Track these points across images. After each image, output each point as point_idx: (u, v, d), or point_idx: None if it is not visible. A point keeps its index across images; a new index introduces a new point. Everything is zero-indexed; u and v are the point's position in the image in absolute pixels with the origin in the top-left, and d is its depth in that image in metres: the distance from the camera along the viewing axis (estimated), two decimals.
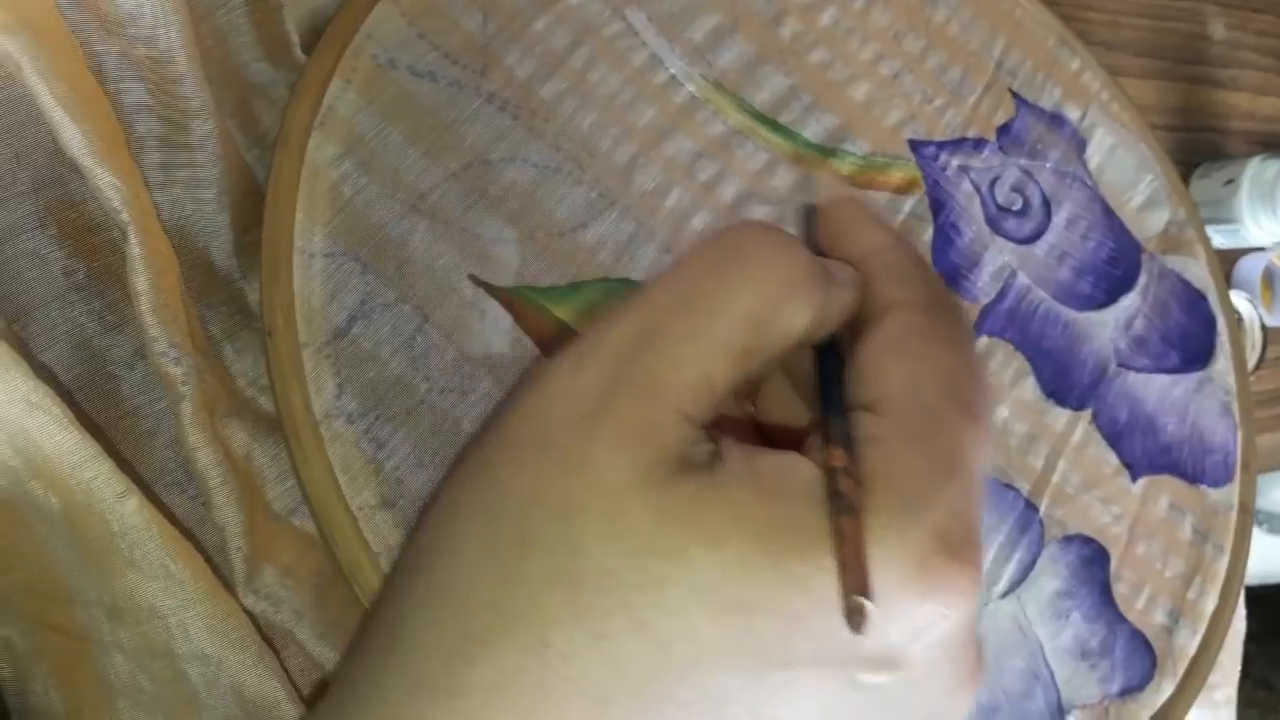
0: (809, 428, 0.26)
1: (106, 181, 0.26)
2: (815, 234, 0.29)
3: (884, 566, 0.20)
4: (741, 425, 0.28)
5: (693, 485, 0.21)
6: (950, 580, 0.21)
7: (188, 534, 0.28)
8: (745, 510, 0.21)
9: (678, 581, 0.20)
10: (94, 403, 0.30)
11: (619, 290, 0.35)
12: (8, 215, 0.28)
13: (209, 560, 0.28)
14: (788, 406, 0.27)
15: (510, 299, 0.33)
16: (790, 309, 0.23)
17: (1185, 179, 0.51)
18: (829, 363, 0.25)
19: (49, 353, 0.29)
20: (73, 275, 0.30)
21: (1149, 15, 0.52)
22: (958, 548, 0.21)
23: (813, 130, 0.40)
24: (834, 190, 0.28)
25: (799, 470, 0.22)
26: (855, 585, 0.20)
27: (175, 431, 0.28)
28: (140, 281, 0.27)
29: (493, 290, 0.33)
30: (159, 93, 0.29)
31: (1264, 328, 0.57)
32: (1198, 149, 0.53)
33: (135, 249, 0.27)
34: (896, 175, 0.40)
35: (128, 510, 0.25)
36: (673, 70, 0.38)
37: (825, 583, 0.20)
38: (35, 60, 0.26)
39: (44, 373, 0.29)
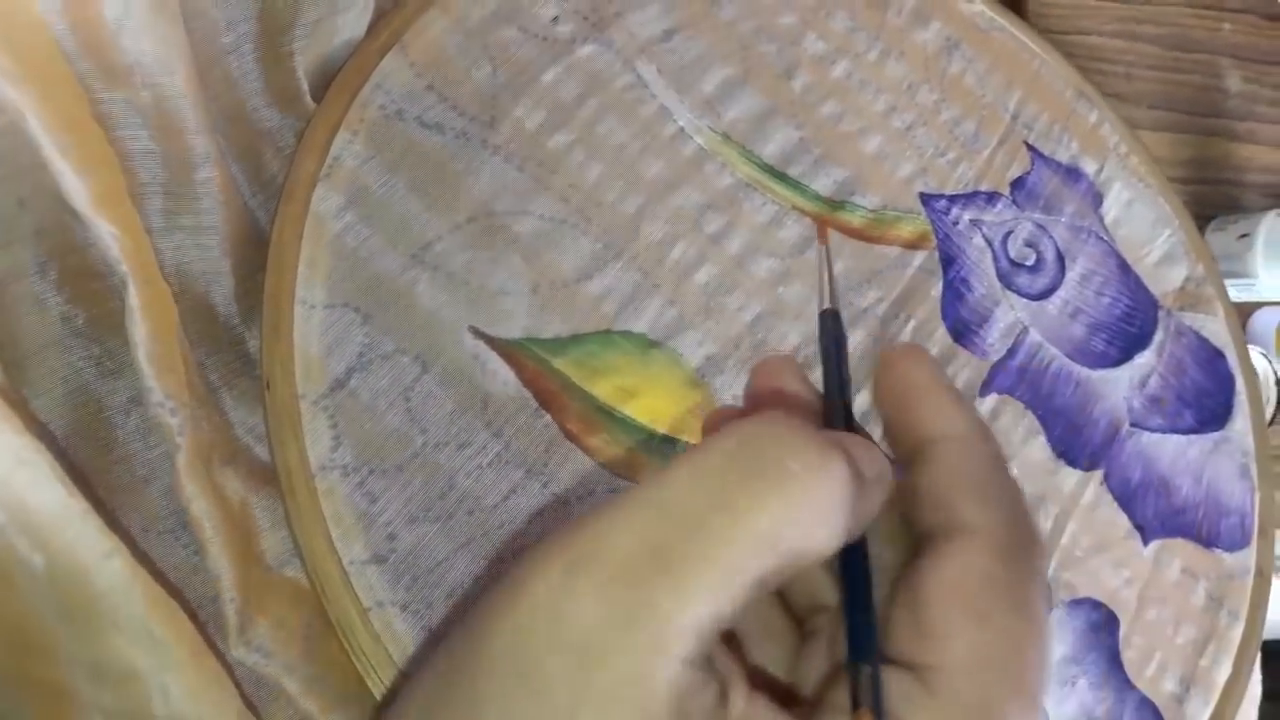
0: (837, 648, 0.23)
1: (106, 231, 0.26)
2: (841, 354, 0.26)
3: None
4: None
5: None
6: None
7: (175, 591, 0.28)
8: None
9: None
10: (88, 449, 0.30)
11: (619, 342, 0.35)
12: (9, 260, 0.28)
13: (195, 618, 0.27)
14: (815, 588, 0.25)
15: (510, 351, 0.33)
16: (821, 536, 0.20)
17: (1200, 233, 0.50)
18: (856, 585, 0.22)
19: (44, 398, 0.29)
20: (71, 321, 0.30)
21: (1164, 68, 0.52)
22: None
23: (822, 183, 0.39)
24: (902, 352, 0.25)
25: None
26: None
27: (171, 481, 0.28)
28: (139, 332, 0.27)
29: (492, 342, 0.33)
30: (163, 139, 0.29)
31: (1279, 382, 0.56)
32: (1213, 202, 0.53)
33: (134, 299, 0.27)
34: (907, 229, 0.40)
35: (112, 570, 0.25)
36: (681, 123, 0.38)
37: None
38: (39, 109, 0.26)
39: (38, 419, 0.29)
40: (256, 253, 0.33)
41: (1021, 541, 0.22)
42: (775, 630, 0.25)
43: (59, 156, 0.26)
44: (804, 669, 0.24)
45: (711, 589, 0.19)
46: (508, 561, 0.31)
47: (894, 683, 0.21)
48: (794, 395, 0.25)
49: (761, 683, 0.22)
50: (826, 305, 0.27)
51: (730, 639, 0.23)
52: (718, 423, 0.26)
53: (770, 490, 0.20)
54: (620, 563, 0.19)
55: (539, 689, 0.19)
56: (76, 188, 0.27)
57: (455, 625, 0.22)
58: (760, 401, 0.25)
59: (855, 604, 0.22)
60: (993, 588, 0.21)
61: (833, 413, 0.25)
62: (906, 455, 0.24)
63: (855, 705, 0.20)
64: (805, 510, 0.20)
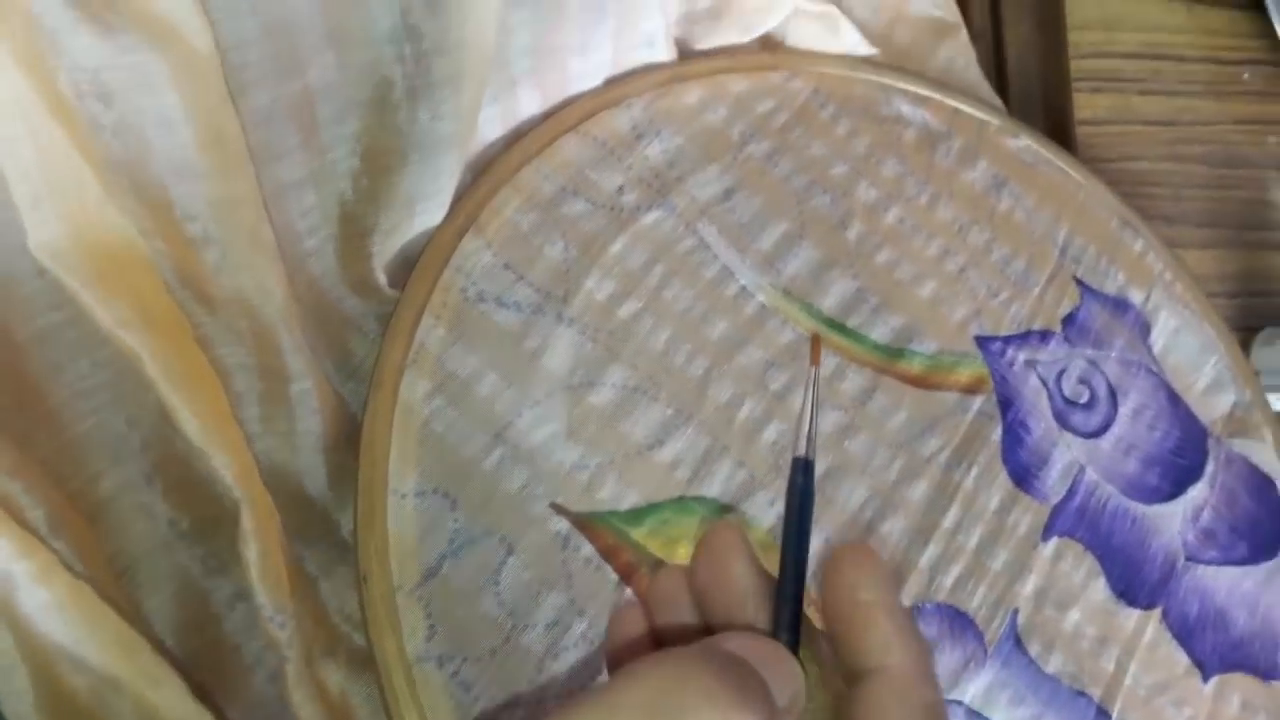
0: None
1: (220, 462, 0.28)
2: (805, 514, 0.28)
3: None
4: None
5: None
6: None
7: None
8: None
9: None
10: (198, 642, 0.31)
11: (694, 508, 0.36)
12: (121, 475, 0.30)
13: None
14: None
15: (589, 524, 0.34)
16: None
17: (1246, 345, 0.51)
18: None
19: (155, 598, 0.31)
20: (177, 525, 0.31)
21: (1211, 185, 0.52)
22: None
23: (880, 331, 0.41)
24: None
25: None
26: None
27: (279, 688, 0.29)
28: (250, 552, 0.28)
29: (573, 517, 0.34)
30: (259, 355, 0.31)
31: None
32: (1262, 314, 0.53)
33: (247, 523, 0.28)
34: (964, 374, 0.41)
35: None
36: (743, 281, 0.39)
37: None
38: (153, 352, 0.28)
39: (150, 619, 0.31)
40: (349, 437, 0.34)
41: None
42: None
43: (171, 392, 0.28)
44: None
45: None
46: None
47: None
48: (738, 583, 0.27)
49: None
50: (801, 450, 0.28)
51: None
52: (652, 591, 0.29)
53: None
54: None
55: None
56: (190, 424, 0.28)
57: None
58: (704, 592, 0.28)
59: None
60: None
61: (782, 601, 0.27)
62: (846, 674, 0.25)
63: None
64: None
